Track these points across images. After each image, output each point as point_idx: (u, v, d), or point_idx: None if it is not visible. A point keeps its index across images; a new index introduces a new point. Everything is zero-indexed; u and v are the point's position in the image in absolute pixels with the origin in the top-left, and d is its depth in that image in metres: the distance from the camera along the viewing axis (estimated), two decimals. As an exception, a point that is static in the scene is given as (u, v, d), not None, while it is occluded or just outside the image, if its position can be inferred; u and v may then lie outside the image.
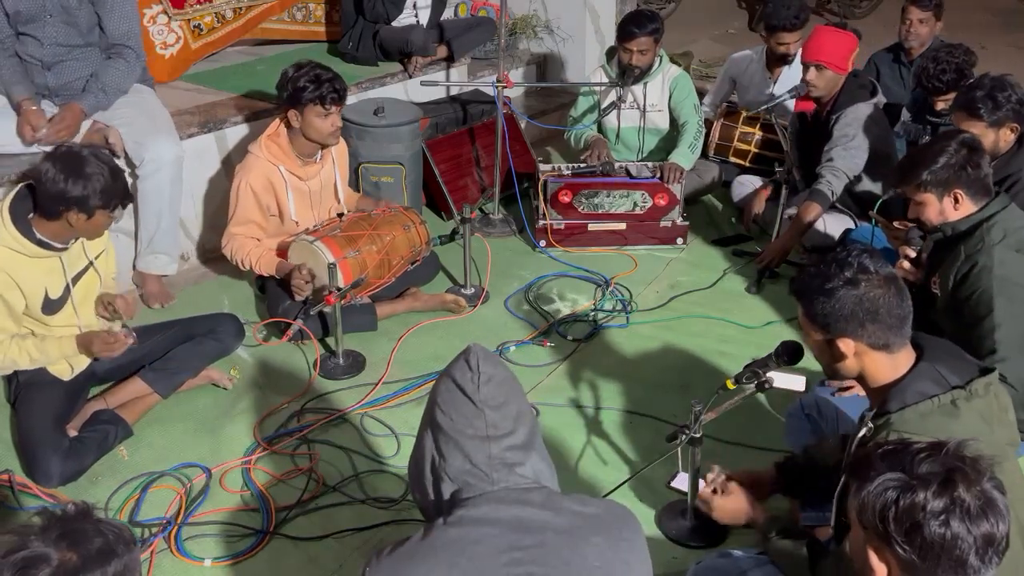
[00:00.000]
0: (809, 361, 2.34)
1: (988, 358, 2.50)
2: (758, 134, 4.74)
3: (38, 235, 2.69)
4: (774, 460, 2.49)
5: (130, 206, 3.71)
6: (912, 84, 4.71)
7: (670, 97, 4.58)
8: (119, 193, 2.70)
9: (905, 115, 4.44)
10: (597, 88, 4.65)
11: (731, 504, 2.31)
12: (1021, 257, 2.58)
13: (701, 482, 2.47)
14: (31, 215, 2.68)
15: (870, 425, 1.89)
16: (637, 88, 4.56)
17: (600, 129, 4.75)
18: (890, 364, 1.91)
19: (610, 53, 4.70)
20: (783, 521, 2.22)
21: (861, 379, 1.98)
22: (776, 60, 4.76)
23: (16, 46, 3.51)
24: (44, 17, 3.48)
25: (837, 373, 2.01)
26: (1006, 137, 3.19)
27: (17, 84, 3.45)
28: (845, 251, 1.97)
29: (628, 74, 4.45)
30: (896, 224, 3.26)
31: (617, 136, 4.70)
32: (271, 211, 3.56)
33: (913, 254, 2.87)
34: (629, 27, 4.40)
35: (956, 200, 2.64)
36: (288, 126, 3.48)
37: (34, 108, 3.40)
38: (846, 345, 1.92)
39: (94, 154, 2.70)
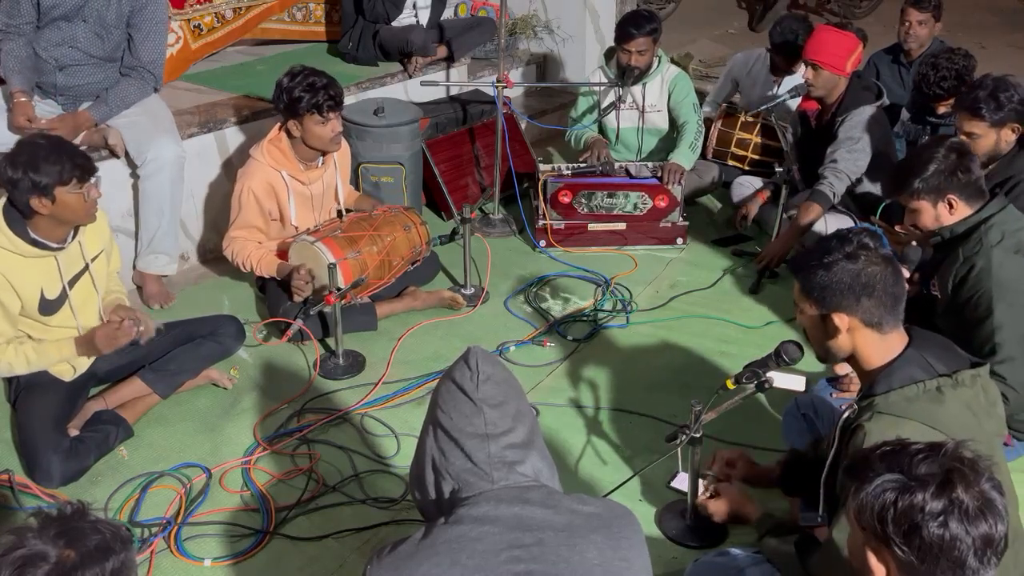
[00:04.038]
0: (809, 361, 2.34)
1: (989, 359, 2.51)
2: (756, 140, 4.73)
3: (32, 235, 2.69)
4: (775, 459, 2.51)
5: (130, 206, 3.77)
6: (912, 86, 4.71)
7: (669, 97, 4.59)
8: (69, 164, 2.61)
9: (905, 115, 4.45)
10: (597, 88, 4.65)
11: (723, 506, 2.38)
12: (1019, 259, 2.59)
13: (700, 485, 2.49)
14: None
15: (855, 407, 1.91)
16: (636, 88, 4.56)
17: (600, 129, 4.75)
18: (882, 345, 1.93)
19: (608, 54, 4.70)
20: (777, 519, 2.23)
21: (853, 361, 2.00)
22: (778, 71, 4.76)
23: (34, 40, 3.53)
24: (77, 21, 3.51)
25: (829, 352, 2.03)
26: (1007, 137, 3.19)
27: (17, 74, 3.46)
28: (846, 229, 2.00)
29: (628, 75, 4.46)
30: (898, 228, 3.27)
31: (617, 136, 4.71)
32: (272, 215, 3.56)
33: (907, 274, 2.88)
34: (627, 28, 4.41)
35: (951, 205, 2.66)
36: (289, 134, 3.48)
37: (23, 100, 3.41)
38: (840, 319, 1.93)
39: (34, 137, 2.66)
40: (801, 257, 2.01)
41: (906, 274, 2.89)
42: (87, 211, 2.73)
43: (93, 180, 2.70)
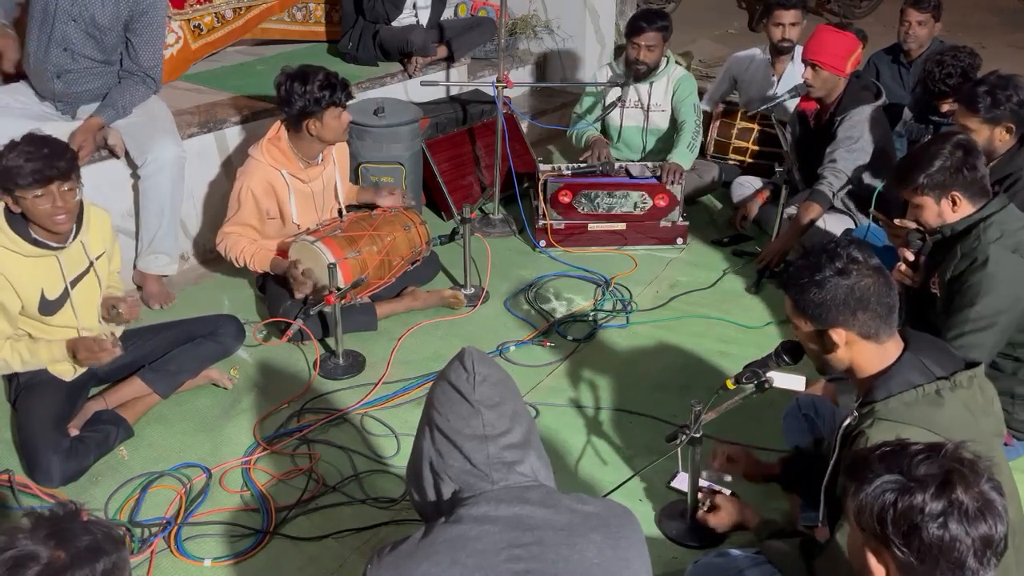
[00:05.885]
0: (809, 361, 2.34)
1: (950, 343, 2.51)
2: (757, 130, 4.75)
3: (33, 235, 2.69)
4: (776, 458, 2.51)
5: (130, 206, 3.77)
6: (912, 85, 4.70)
7: (672, 96, 4.60)
8: (30, 167, 2.53)
9: (907, 115, 4.44)
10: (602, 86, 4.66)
11: (722, 519, 2.37)
12: (1016, 258, 2.58)
13: (699, 495, 2.50)
14: None
15: (855, 413, 1.91)
16: (642, 88, 4.58)
17: (603, 128, 4.76)
18: (878, 354, 1.93)
19: (618, 51, 4.71)
20: (777, 524, 2.23)
21: (850, 371, 1.99)
22: (776, 52, 4.77)
23: (29, 44, 3.53)
24: (67, 20, 3.48)
25: (827, 365, 2.03)
26: (1002, 136, 3.16)
27: None
28: (833, 242, 1.99)
29: (629, 71, 4.48)
30: (896, 221, 3.27)
31: (619, 135, 4.72)
32: (271, 214, 3.56)
33: (911, 256, 2.87)
34: (638, 22, 4.44)
35: (954, 202, 2.65)
36: (295, 132, 3.46)
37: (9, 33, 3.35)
38: (838, 335, 1.93)
39: (26, 136, 2.62)
40: (791, 275, 1.99)
41: (910, 257, 2.89)
42: (49, 215, 2.62)
43: (65, 186, 2.61)
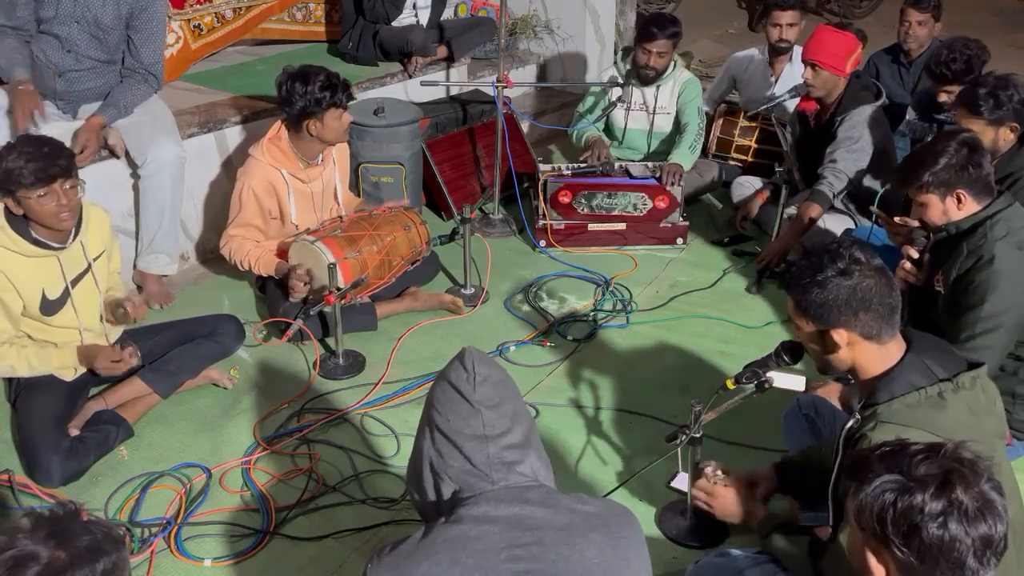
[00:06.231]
0: (809, 361, 2.34)
1: (961, 345, 2.51)
2: (759, 129, 4.76)
3: (34, 235, 2.69)
4: (773, 461, 2.51)
5: (130, 206, 3.77)
6: (912, 85, 4.69)
7: (678, 99, 4.60)
8: (32, 166, 2.53)
9: (911, 114, 4.44)
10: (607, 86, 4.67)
11: (727, 501, 2.36)
12: (1022, 255, 2.59)
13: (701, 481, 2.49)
14: None
15: (857, 416, 1.91)
16: (648, 91, 4.59)
17: (607, 128, 4.76)
18: (880, 355, 1.93)
19: (625, 52, 4.71)
20: (779, 519, 2.23)
21: (852, 372, 1.99)
22: (774, 52, 4.78)
23: (33, 45, 3.53)
24: (71, 23, 3.48)
25: (829, 365, 2.03)
26: (1006, 136, 3.19)
27: (19, 66, 3.42)
28: (835, 243, 1.99)
29: (633, 72, 4.47)
30: (896, 220, 3.26)
31: (623, 136, 4.72)
32: (272, 214, 3.56)
33: (916, 254, 2.88)
34: (650, 28, 4.44)
35: (959, 200, 2.65)
36: (295, 132, 3.46)
37: (32, 89, 3.37)
38: (840, 336, 1.93)
39: (24, 136, 2.61)
40: (793, 275, 2.00)
41: (914, 255, 2.89)
42: (53, 214, 2.63)
43: (67, 184, 2.62)
